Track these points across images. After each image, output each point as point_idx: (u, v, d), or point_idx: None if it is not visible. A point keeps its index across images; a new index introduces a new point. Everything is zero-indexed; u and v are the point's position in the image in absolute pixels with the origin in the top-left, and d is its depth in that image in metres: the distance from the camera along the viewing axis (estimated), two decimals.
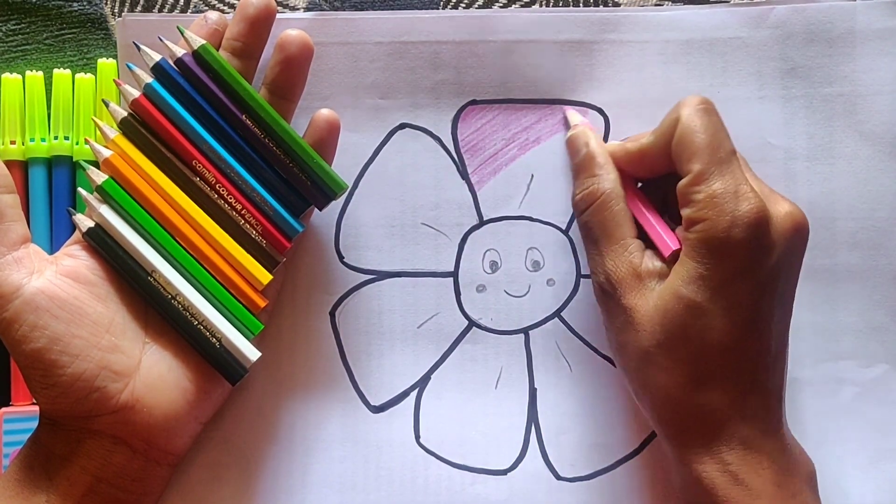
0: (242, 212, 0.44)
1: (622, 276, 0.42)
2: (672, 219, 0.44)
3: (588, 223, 0.44)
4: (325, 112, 0.45)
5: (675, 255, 0.41)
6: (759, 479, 0.39)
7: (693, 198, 0.40)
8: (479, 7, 0.50)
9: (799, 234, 0.41)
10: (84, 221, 0.43)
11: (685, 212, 0.40)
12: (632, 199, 0.44)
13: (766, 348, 0.40)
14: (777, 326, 0.41)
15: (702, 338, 0.40)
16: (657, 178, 0.44)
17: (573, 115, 0.48)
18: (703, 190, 0.40)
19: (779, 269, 0.40)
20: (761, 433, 0.40)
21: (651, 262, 0.42)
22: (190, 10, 0.50)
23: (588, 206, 0.44)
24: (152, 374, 0.42)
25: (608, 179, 0.44)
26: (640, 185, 0.46)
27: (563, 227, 0.48)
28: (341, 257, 0.48)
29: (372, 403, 0.48)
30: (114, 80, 0.44)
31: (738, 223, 0.39)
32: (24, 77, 0.48)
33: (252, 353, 0.43)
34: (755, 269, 0.39)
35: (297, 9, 0.50)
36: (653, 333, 0.40)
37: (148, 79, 0.43)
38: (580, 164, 0.45)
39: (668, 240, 0.42)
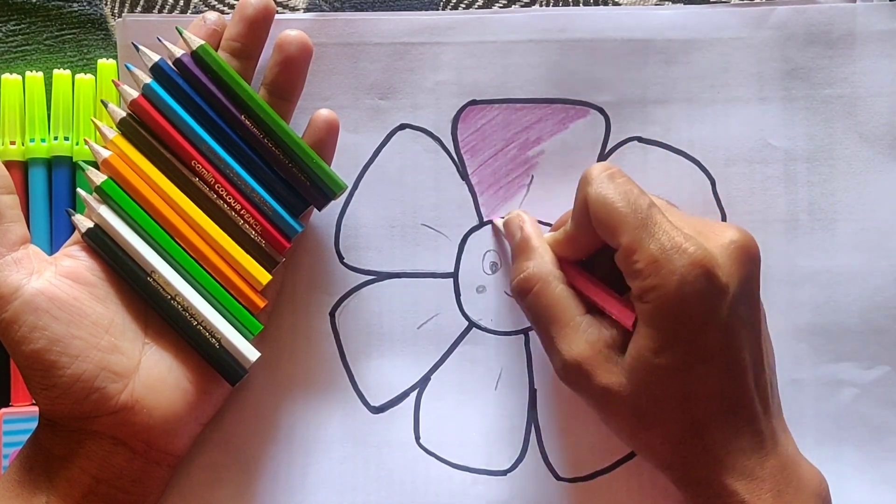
0: (241, 212, 0.44)
1: (581, 358, 0.41)
2: (623, 287, 0.43)
3: (531, 308, 0.43)
4: (324, 112, 0.45)
5: (636, 324, 0.40)
6: (761, 502, 0.39)
7: (634, 269, 0.39)
8: (479, 7, 0.50)
9: (748, 259, 0.40)
10: (83, 222, 0.43)
11: (632, 284, 0.40)
12: (576, 276, 0.43)
13: (745, 380, 0.40)
14: (750, 354, 0.41)
15: (684, 392, 0.40)
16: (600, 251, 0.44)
17: (498, 220, 0.48)
18: (641, 258, 0.39)
19: (737, 303, 0.40)
20: (760, 458, 0.40)
21: (608, 333, 0.41)
22: (190, 11, 0.50)
23: (528, 292, 0.43)
24: (152, 375, 0.42)
25: (544, 262, 0.43)
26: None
27: None
28: (341, 258, 0.48)
29: (372, 404, 0.48)
30: (112, 81, 0.44)
31: (687, 279, 0.38)
32: (23, 77, 0.48)
33: (252, 353, 0.43)
34: (717, 314, 0.39)
35: (298, 9, 0.50)
36: (637, 405, 0.40)
37: (147, 79, 0.43)
38: (515, 249, 0.45)
39: (624, 314, 0.41)
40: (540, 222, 0.48)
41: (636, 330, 0.40)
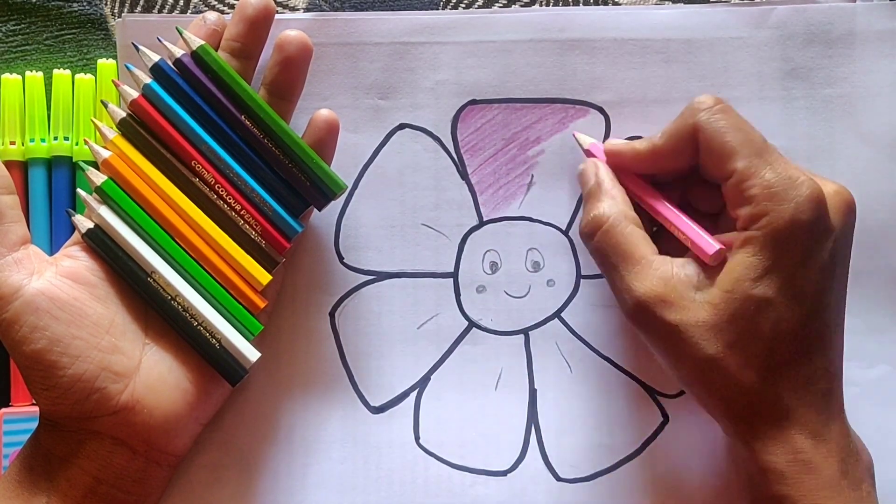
0: (241, 212, 0.44)
1: (655, 294, 0.40)
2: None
3: (601, 248, 0.43)
4: (324, 112, 0.45)
5: (717, 257, 0.41)
6: (827, 466, 0.39)
7: (748, 194, 0.39)
8: (479, 7, 0.50)
9: (850, 212, 0.41)
10: (83, 222, 0.43)
11: (743, 210, 0.40)
12: (658, 204, 0.44)
13: (829, 331, 0.40)
14: (835, 309, 0.41)
15: (773, 330, 0.39)
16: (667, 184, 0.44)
17: (582, 137, 0.48)
18: (757, 184, 0.39)
19: (836, 249, 0.40)
20: (827, 418, 0.40)
21: (683, 271, 0.41)
22: (190, 11, 0.50)
23: (595, 231, 0.43)
24: (152, 375, 0.42)
25: (615, 205, 0.43)
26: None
27: (564, 228, 0.48)
28: (341, 258, 0.48)
29: (372, 404, 0.48)
30: (112, 81, 0.44)
31: (801, 208, 0.39)
32: (23, 77, 0.48)
33: (252, 353, 0.43)
34: (817, 253, 0.39)
35: (298, 9, 0.50)
36: (716, 340, 0.39)
37: (147, 79, 0.43)
38: (587, 195, 0.45)
39: (707, 243, 0.41)
40: (542, 223, 0.48)
41: (733, 259, 0.40)
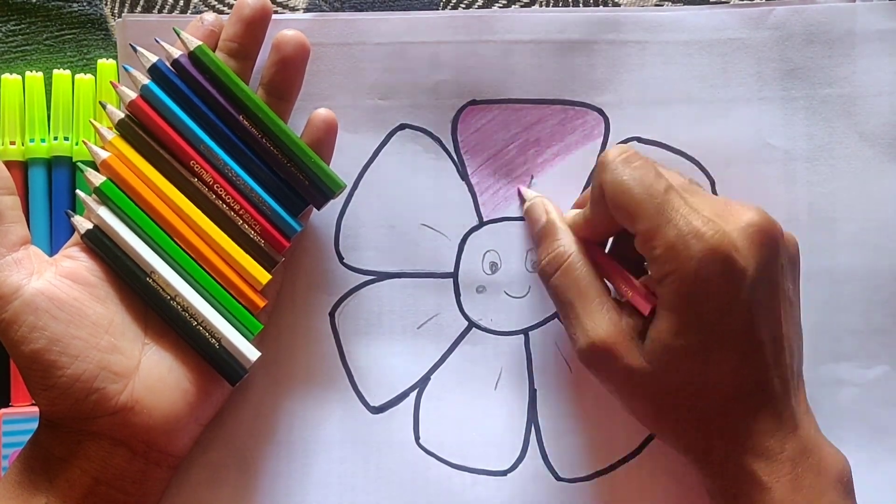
0: (241, 212, 0.44)
1: (606, 336, 0.41)
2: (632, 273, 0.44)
3: (559, 286, 0.43)
4: (322, 112, 0.45)
5: (653, 311, 0.41)
6: (779, 485, 0.39)
7: (653, 254, 0.39)
8: (479, 7, 0.50)
9: (766, 241, 0.40)
10: (83, 223, 0.43)
11: (651, 269, 0.40)
12: (596, 259, 0.44)
13: (765, 363, 0.40)
14: (771, 335, 0.41)
15: (704, 375, 0.40)
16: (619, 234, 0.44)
17: (525, 190, 0.48)
18: (658, 244, 0.39)
19: (757, 284, 0.39)
20: (781, 438, 0.40)
21: (629, 318, 0.42)
22: (190, 11, 0.50)
23: (555, 270, 0.43)
24: (152, 376, 0.42)
25: (572, 242, 0.44)
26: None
27: None
28: (341, 258, 0.48)
29: (371, 404, 0.48)
30: (110, 82, 0.44)
31: (703, 263, 0.38)
32: (23, 77, 0.48)
33: (252, 353, 0.43)
34: (735, 296, 0.39)
35: (297, 9, 0.50)
36: (658, 386, 0.40)
37: (145, 80, 0.43)
38: (542, 232, 0.45)
39: (642, 299, 0.41)
40: None
41: (657, 313, 0.40)
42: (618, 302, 0.42)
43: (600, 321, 0.41)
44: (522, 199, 0.48)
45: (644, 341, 0.41)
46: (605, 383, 0.43)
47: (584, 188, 0.48)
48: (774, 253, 0.41)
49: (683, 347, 0.39)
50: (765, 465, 0.40)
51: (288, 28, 0.44)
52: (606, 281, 0.43)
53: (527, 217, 0.47)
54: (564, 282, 0.43)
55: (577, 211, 0.45)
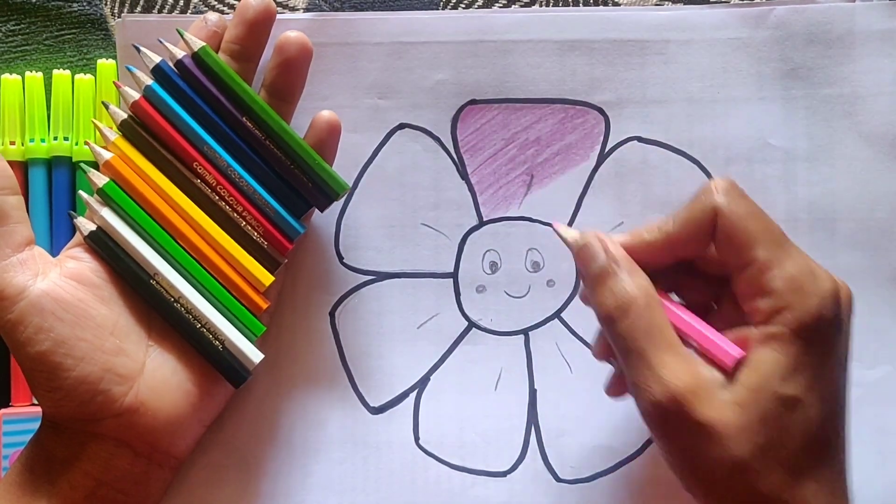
0: (243, 213, 0.44)
1: (687, 387, 0.36)
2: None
3: (628, 333, 0.38)
4: (325, 113, 0.45)
5: (738, 365, 0.37)
6: None
7: (770, 286, 0.37)
8: (479, 7, 0.50)
9: (851, 304, 0.39)
10: (86, 225, 0.43)
11: (762, 303, 0.37)
12: (669, 306, 0.39)
13: (843, 429, 0.38)
14: (844, 398, 0.39)
15: (802, 431, 0.36)
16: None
17: (562, 227, 0.42)
18: (778, 276, 0.37)
19: (847, 341, 0.38)
20: None
21: (708, 370, 0.37)
22: (190, 11, 0.50)
23: (625, 314, 0.38)
24: (156, 377, 0.42)
25: (643, 284, 0.39)
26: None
27: None
28: (341, 258, 0.48)
29: (371, 404, 0.48)
30: (113, 82, 0.44)
31: (825, 303, 0.36)
32: (23, 78, 0.48)
33: (255, 355, 0.43)
34: (837, 348, 0.37)
35: (297, 9, 0.50)
36: (746, 442, 0.36)
37: (148, 81, 0.43)
38: (602, 272, 0.39)
39: (730, 347, 0.38)
40: (542, 223, 0.48)
41: (755, 357, 0.37)
42: (692, 350, 0.38)
43: (679, 369, 0.37)
44: (559, 234, 0.42)
45: (729, 391, 0.37)
46: (675, 441, 0.38)
47: (583, 190, 0.48)
48: (850, 317, 0.39)
49: (790, 395, 0.36)
50: None
51: (289, 29, 0.44)
52: (684, 329, 0.39)
53: (580, 256, 0.40)
54: (636, 326, 0.38)
55: (643, 232, 0.40)
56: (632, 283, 0.39)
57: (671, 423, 0.37)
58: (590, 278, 0.40)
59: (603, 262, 0.39)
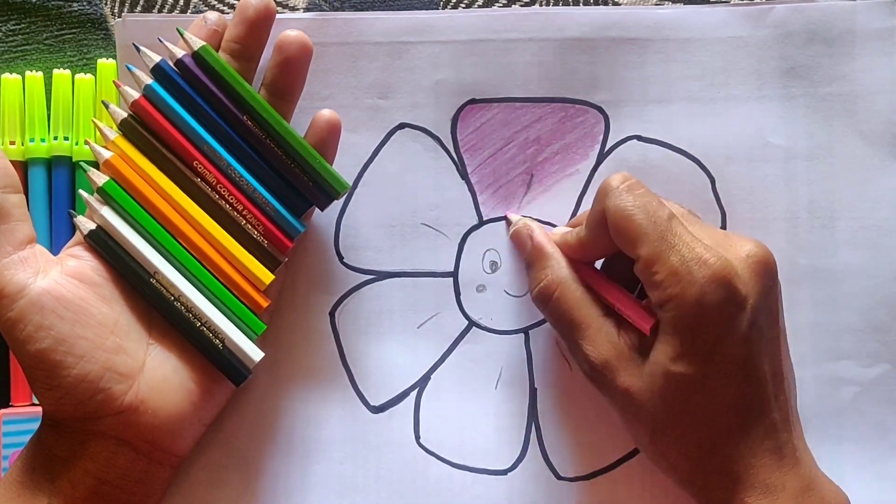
0: (244, 212, 0.44)
1: (605, 358, 0.41)
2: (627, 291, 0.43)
3: (553, 315, 0.44)
4: (326, 112, 0.45)
5: (654, 329, 0.41)
6: None
7: (654, 280, 0.40)
8: (479, 7, 0.50)
9: (766, 272, 0.41)
10: (86, 224, 0.43)
11: (652, 294, 0.40)
12: (592, 278, 0.44)
13: (764, 394, 0.40)
14: (770, 367, 0.41)
15: (704, 406, 0.40)
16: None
17: (511, 215, 0.48)
18: (660, 269, 0.39)
19: (757, 315, 0.40)
20: (780, 475, 0.40)
21: (628, 337, 0.42)
22: (190, 11, 0.50)
23: (548, 300, 0.44)
24: (156, 376, 0.42)
25: (560, 267, 0.44)
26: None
27: None
28: (341, 257, 0.48)
29: (372, 404, 0.48)
30: (113, 82, 0.44)
31: (706, 290, 0.38)
32: (23, 77, 0.48)
33: (256, 353, 0.43)
34: (734, 327, 0.39)
35: (297, 9, 0.50)
36: (654, 411, 0.40)
37: (148, 80, 0.43)
38: (529, 259, 0.45)
39: (642, 319, 0.41)
40: (542, 221, 0.48)
41: (657, 337, 0.40)
42: (615, 321, 0.42)
43: (598, 344, 0.42)
44: (509, 224, 0.48)
45: (643, 361, 0.41)
46: (611, 402, 0.43)
47: (583, 189, 0.48)
48: (774, 284, 0.41)
49: (682, 375, 0.39)
50: (766, 501, 0.40)
51: (290, 28, 0.44)
52: (608, 299, 0.43)
53: (513, 242, 0.48)
54: (558, 309, 0.43)
55: (567, 229, 0.45)
56: (550, 269, 0.44)
57: (601, 387, 0.42)
58: (526, 263, 0.46)
59: (528, 249, 0.45)
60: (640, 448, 0.43)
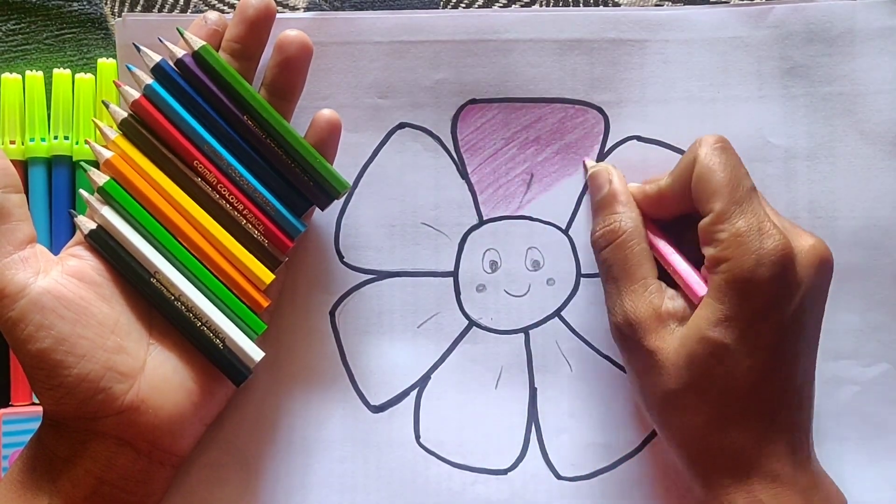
0: (244, 212, 0.44)
1: (642, 317, 0.42)
2: (689, 260, 0.44)
3: (607, 261, 0.44)
4: (326, 112, 0.45)
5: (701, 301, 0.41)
6: None
7: (717, 237, 0.40)
8: (479, 7, 0.50)
9: (823, 268, 0.41)
10: (86, 223, 0.43)
11: (708, 251, 0.40)
12: (657, 240, 0.44)
13: (791, 386, 0.40)
14: (802, 363, 0.41)
15: (727, 379, 0.40)
16: (675, 219, 0.44)
17: (589, 161, 0.48)
18: (727, 229, 0.40)
19: (803, 306, 0.40)
20: (791, 468, 0.40)
21: (671, 303, 0.42)
22: (190, 10, 0.50)
23: (608, 244, 0.44)
24: (157, 376, 0.42)
25: (630, 218, 0.44)
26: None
27: (563, 227, 0.48)
28: (341, 257, 0.48)
29: (372, 403, 0.48)
30: (114, 82, 0.44)
31: (763, 261, 0.39)
32: (23, 77, 0.48)
33: (256, 353, 0.43)
34: (780, 307, 0.39)
35: (297, 9, 0.50)
36: (678, 376, 0.40)
37: (148, 80, 0.43)
38: (602, 202, 0.46)
39: (696, 284, 0.42)
40: (542, 222, 0.48)
41: (701, 303, 0.41)
42: (663, 286, 0.43)
43: (640, 302, 0.42)
44: (586, 169, 0.48)
45: (680, 328, 0.41)
46: (630, 362, 0.43)
47: (583, 189, 0.48)
48: (827, 282, 0.42)
49: (716, 342, 0.39)
50: (774, 492, 0.39)
51: (290, 28, 0.44)
52: (666, 260, 0.43)
53: (590, 184, 0.47)
54: (614, 256, 0.44)
55: (645, 186, 0.45)
56: (622, 216, 0.44)
57: (627, 344, 0.43)
58: (593, 206, 0.47)
59: (604, 193, 0.45)
60: (650, 415, 0.43)
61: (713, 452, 0.40)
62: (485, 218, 0.48)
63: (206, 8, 0.50)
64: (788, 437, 0.40)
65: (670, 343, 0.41)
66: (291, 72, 0.44)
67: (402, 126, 0.48)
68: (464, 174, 0.48)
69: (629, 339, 0.42)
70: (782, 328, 0.40)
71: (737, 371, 0.40)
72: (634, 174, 0.47)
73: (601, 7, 0.50)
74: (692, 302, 0.42)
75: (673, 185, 0.43)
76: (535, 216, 0.48)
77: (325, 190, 0.44)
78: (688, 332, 0.40)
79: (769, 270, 0.39)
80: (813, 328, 0.42)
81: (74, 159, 0.48)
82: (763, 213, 0.40)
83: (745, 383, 0.40)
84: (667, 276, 0.43)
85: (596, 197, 0.46)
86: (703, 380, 0.40)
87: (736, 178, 0.41)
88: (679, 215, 0.44)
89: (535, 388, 0.48)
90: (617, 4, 0.50)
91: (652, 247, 0.44)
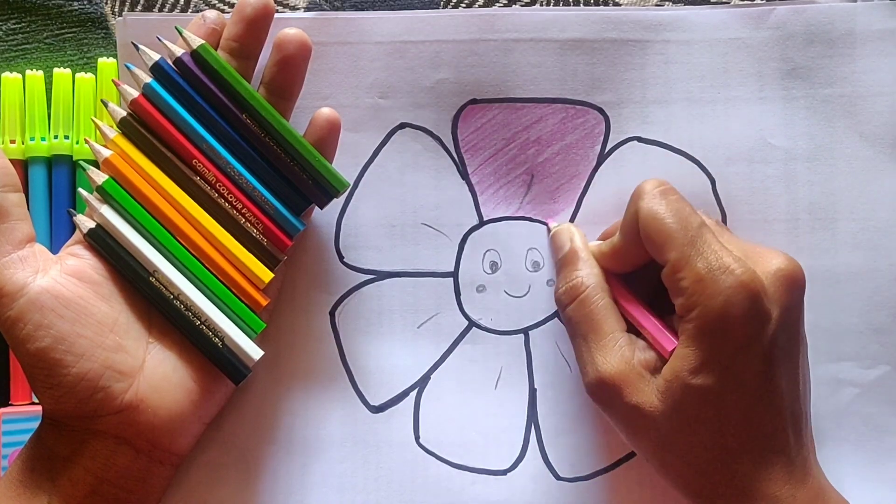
0: (243, 210, 0.44)
1: (615, 372, 0.41)
2: (664, 307, 0.43)
3: (573, 318, 0.44)
4: (325, 111, 0.45)
5: (673, 353, 0.41)
6: None
7: (680, 285, 0.40)
8: (480, 7, 0.50)
9: (794, 288, 0.40)
10: (85, 222, 0.43)
11: (678, 301, 0.40)
12: (621, 294, 0.44)
13: (782, 407, 0.40)
14: (790, 381, 0.41)
15: (719, 418, 0.39)
16: (645, 267, 0.44)
17: (553, 222, 0.48)
18: (687, 276, 0.39)
19: (779, 331, 0.40)
20: (790, 487, 0.40)
21: (643, 355, 0.41)
22: (190, 10, 0.50)
23: (572, 300, 0.44)
24: (156, 374, 0.42)
25: (592, 274, 0.44)
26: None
27: None
28: (341, 257, 0.48)
29: (371, 403, 0.48)
30: (112, 81, 0.44)
31: (732, 300, 0.38)
32: (24, 76, 0.48)
33: (255, 352, 0.43)
34: (759, 338, 0.39)
35: (298, 9, 0.50)
36: (669, 426, 0.40)
37: (147, 79, 0.43)
38: (563, 260, 0.46)
39: (664, 339, 0.41)
40: (541, 222, 0.48)
41: (675, 350, 0.40)
42: (632, 338, 0.42)
43: (611, 357, 0.41)
44: (549, 230, 0.48)
45: (656, 379, 0.41)
46: (611, 419, 0.43)
47: (584, 190, 0.48)
48: (799, 301, 0.41)
49: (698, 386, 0.39)
50: None
51: (289, 27, 0.44)
52: (632, 315, 0.43)
53: (552, 243, 0.48)
54: (579, 313, 0.43)
55: (601, 244, 0.45)
56: (583, 272, 0.44)
57: (607, 403, 0.42)
58: (555, 265, 0.47)
59: (566, 251, 0.45)
60: (646, 459, 0.42)
61: (714, 485, 0.40)
62: (485, 218, 0.48)
63: (207, 7, 0.50)
64: (785, 457, 0.40)
65: (651, 396, 0.40)
66: (290, 70, 0.44)
67: (402, 126, 0.48)
68: (464, 174, 0.48)
69: (608, 398, 0.42)
70: (764, 356, 0.39)
71: (727, 408, 0.39)
72: (635, 175, 0.47)
73: (602, 7, 0.50)
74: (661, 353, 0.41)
75: (624, 239, 0.43)
76: (535, 217, 0.48)
77: (325, 188, 0.44)
78: (668, 384, 0.40)
79: (739, 308, 0.38)
80: (794, 346, 0.41)
81: (75, 158, 0.48)
82: (720, 248, 0.40)
83: (738, 416, 0.40)
84: (636, 330, 0.43)
85: (558, 255, 0.46)
86: (696, 424, 0.40)
87: (682, 221, 0.40)
88: (642, 265, 0.44)
89: (535, 389, 0.48)
90: (617, 4, 0.50)
91: (617, 303, 0.43)
